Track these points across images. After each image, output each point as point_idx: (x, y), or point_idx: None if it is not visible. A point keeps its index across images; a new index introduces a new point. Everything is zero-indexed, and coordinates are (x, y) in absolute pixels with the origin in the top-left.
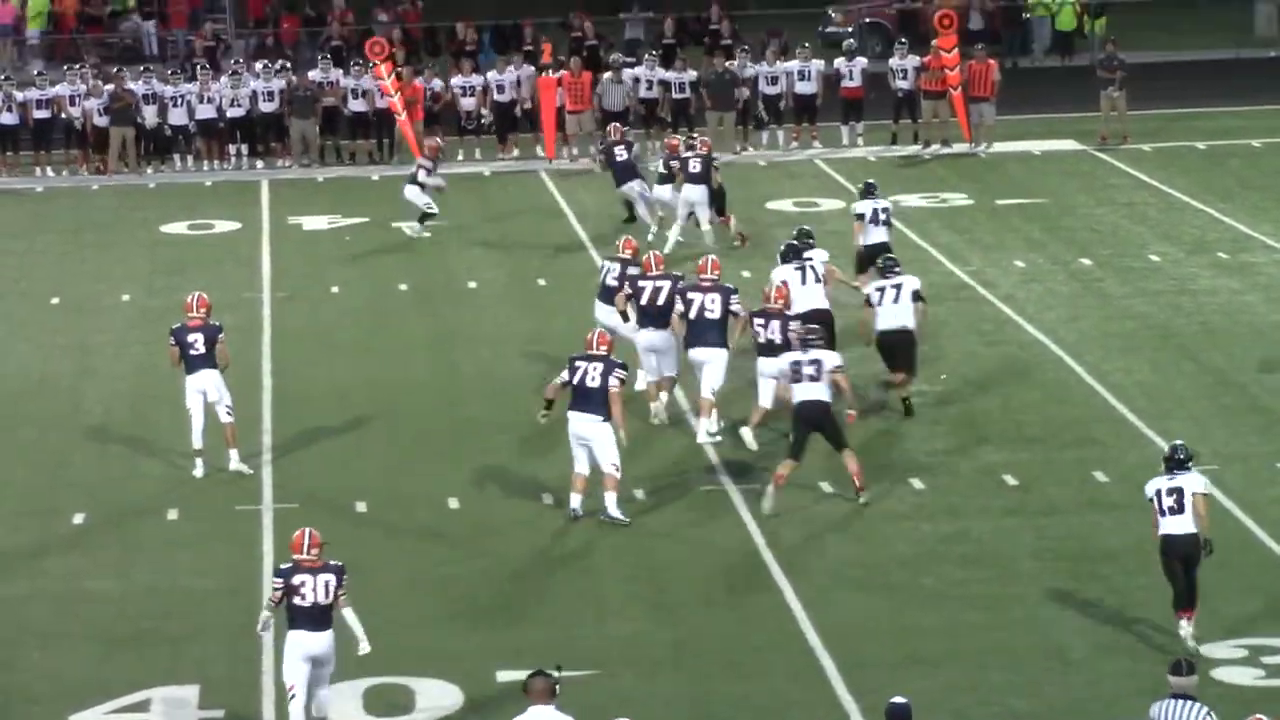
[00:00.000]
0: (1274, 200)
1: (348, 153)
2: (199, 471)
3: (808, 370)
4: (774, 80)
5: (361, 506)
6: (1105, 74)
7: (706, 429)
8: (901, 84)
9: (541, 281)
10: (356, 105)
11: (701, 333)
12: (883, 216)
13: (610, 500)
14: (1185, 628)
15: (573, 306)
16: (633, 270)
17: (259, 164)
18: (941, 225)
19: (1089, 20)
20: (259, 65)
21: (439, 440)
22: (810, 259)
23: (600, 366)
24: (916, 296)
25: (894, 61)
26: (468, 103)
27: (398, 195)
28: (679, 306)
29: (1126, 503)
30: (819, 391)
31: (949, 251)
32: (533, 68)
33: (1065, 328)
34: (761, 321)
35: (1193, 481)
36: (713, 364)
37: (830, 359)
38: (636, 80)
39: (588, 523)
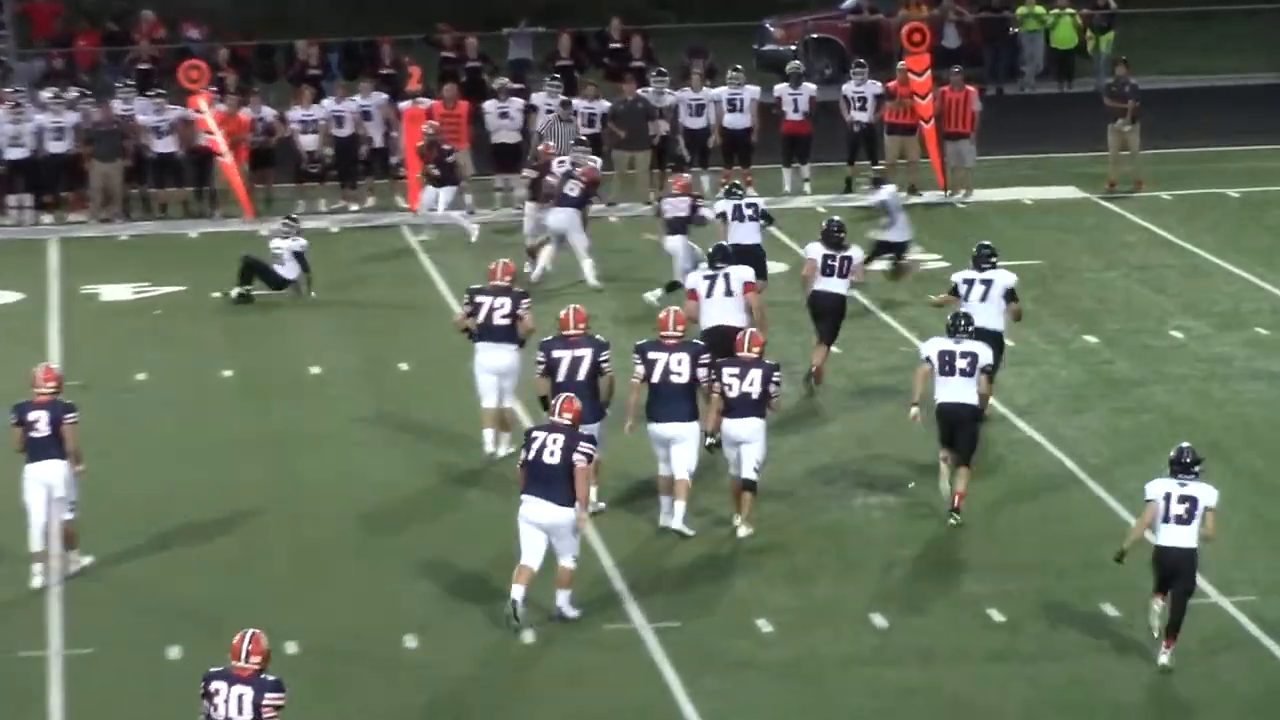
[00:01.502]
0: None
1: (158, 203)
2: (37, 581)
3: None
4: (698, 110)
5: (175, 652)
6: (1114, 104)
7: (681, 519)
8: (859, 116)
9: (404, 366)
10: (162, 145)
11: (668, 402)
12: (748, 213)
13: (564, 599)
14: (1164, 655)
15: (442, 397)
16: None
17: (46, 218)
18: (910, 294)
19: (1093, 36)
20: (46, 94)
21: (274, 566)
22: (726, 272)
23: (561, 439)
24: None
25: (849, 88)
26: (308, 140)
27: (221, 256)
28: (638, 369)
29: (1143, 641)
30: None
31: (919, 327)
32: (385, 95)
33: (1065, 423)
34: (735, 372)
35: (1207, 494)
36: (686, 443)
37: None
38: (531, 110)
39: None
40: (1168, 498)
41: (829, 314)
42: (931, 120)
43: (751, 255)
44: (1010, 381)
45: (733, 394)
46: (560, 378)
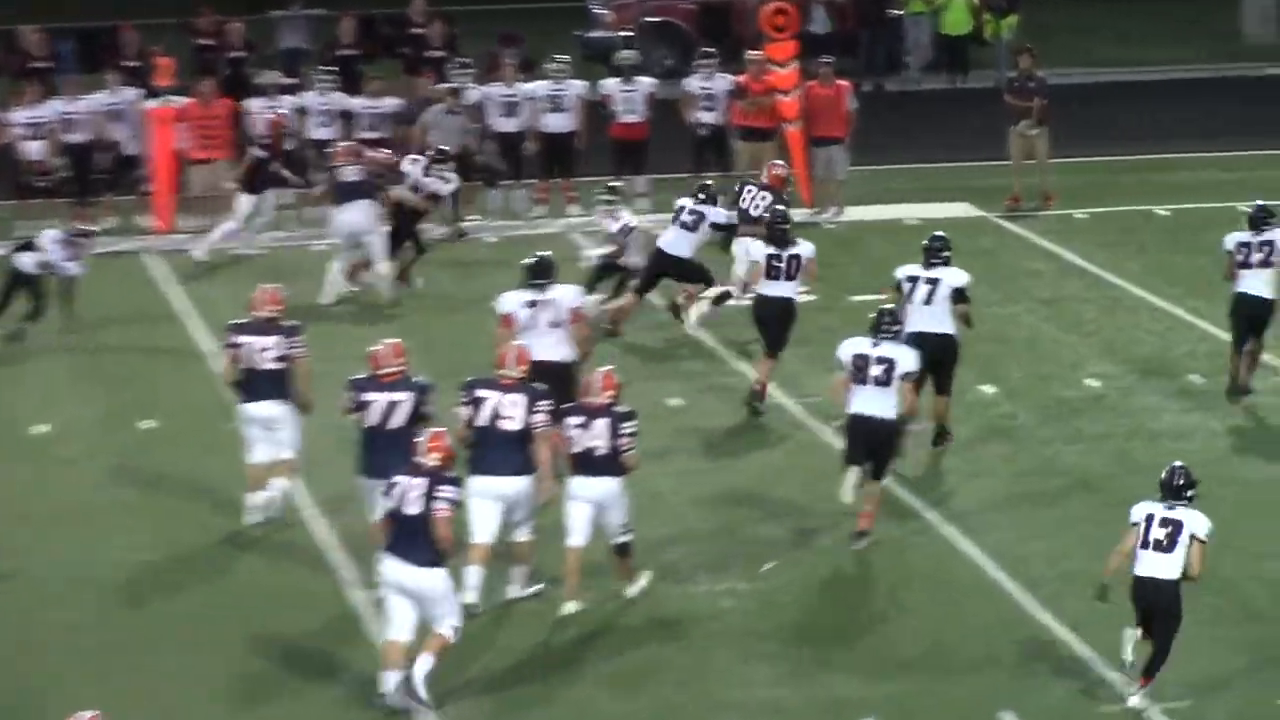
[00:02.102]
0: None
1: None
2: None
3: None
4: (510, 110)
5: None
6: (1017, 102)
7: (523, 585)
8: (705, 117)
9: (148, 424)
10: None
11: (497, 451)
12: (686, 219)
13: (421, 672)
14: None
15: (194, 457)
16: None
17: None
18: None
19: (991, 20)
20: None
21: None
22: (548, 292)
23: (422, 485)
24: None
25: (694, 83)
26: (34, 148)
27: None
28: (463, 410)
29: None
30: None
31: (780, 373)
32: (134, 91)
33: (959, 492)
34: (579, 422)
35: (1196, 522)
36: (519, 504)
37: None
38: (302, 112)
39: None
40: (1149, 520)
41: (774, 321)
42: (797, 122)
43: (676, 266)
44: None
45: (576, 449)
46: (371, 424)
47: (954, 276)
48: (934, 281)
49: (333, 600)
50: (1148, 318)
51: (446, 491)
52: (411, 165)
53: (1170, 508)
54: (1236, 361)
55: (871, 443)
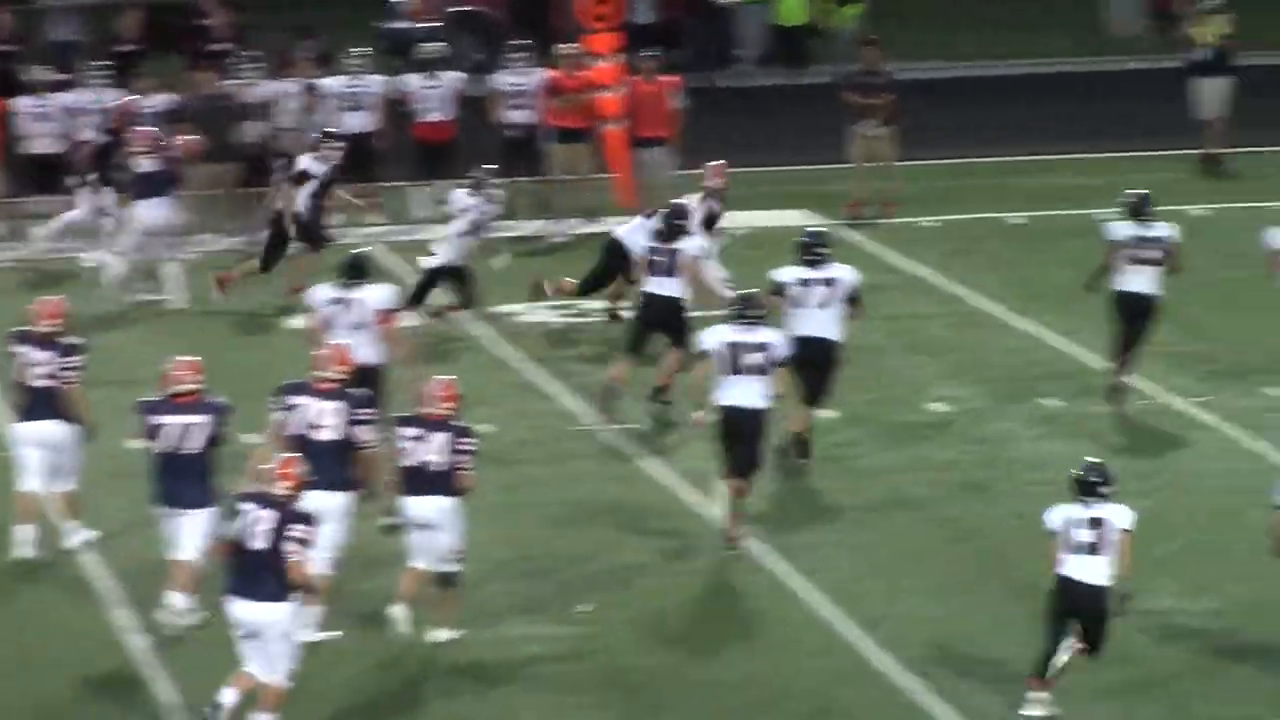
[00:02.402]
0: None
1: None
2: None
3: None
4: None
5: None
6: (860, 99)
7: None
8: (516, 117)
9: None
10: None
11: (314, 463)
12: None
13: None
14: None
15: None
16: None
17: None
18: (593, 349)
19: (833, 10)
20: None
21: None
22: (356, 291)
23: (272, 518)
24: None
25: (505, 79)
26: None
27: None
28: (275, 416)
29: None
30: None
31: (593, 401)
32: None
33: (793, 529)
34: (415, 434)
35: (1120, 515)
36: (335, 523)
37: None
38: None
39: None
40: (1072, 523)
41: (661, 324)
42: (620, 121)
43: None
44: (712, 467)
45: (409, 462)
46: (164, 450)
47: (849, 274)
48: (830, 282)
49: (104, 637)
50: (998, 334)
51: (297, 531)
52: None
53: (1088, 505)
54: (1120, 362)
55: (746, 435)
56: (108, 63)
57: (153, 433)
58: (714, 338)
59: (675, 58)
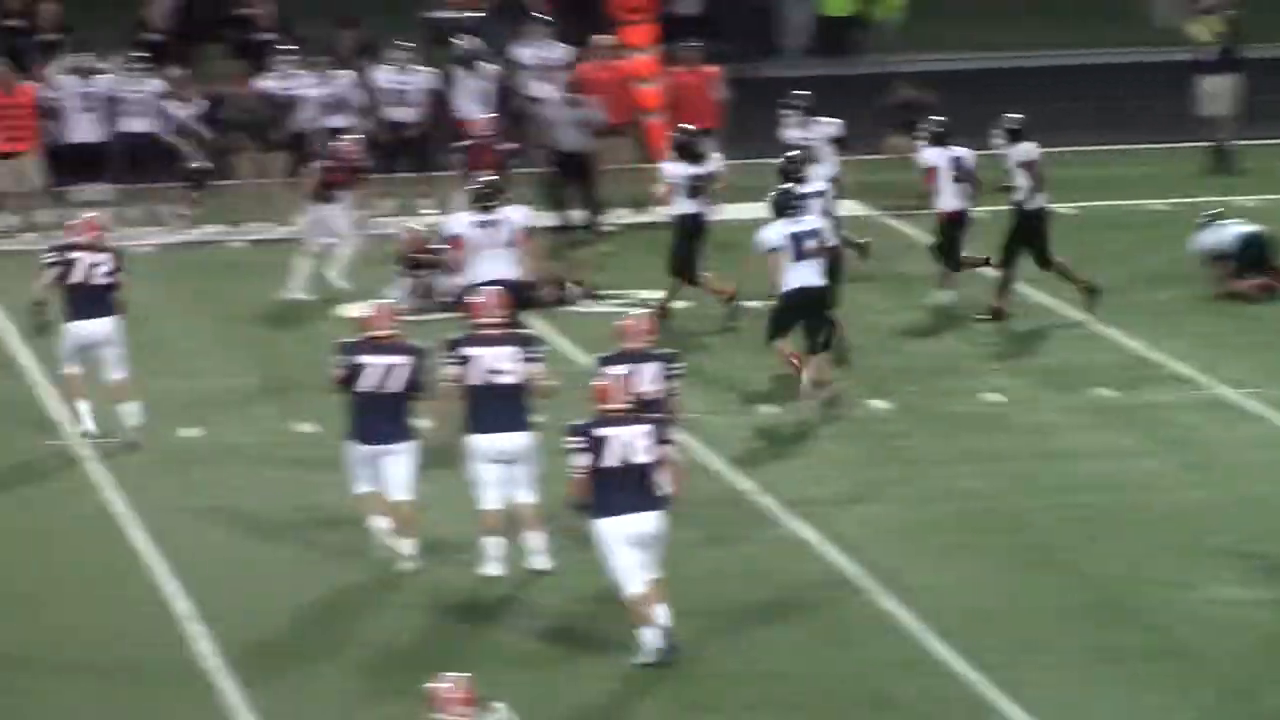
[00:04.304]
0: (1190, 297)
1: None
2: None
3: None
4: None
5: None
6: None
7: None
8: (537, 90)
9: None
10: None
11: (497, 408)
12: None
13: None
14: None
15: None
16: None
17: None
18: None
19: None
20: None
21: None
22: (497, 213)
23: (642, 431)
24: None
25: (525, 52)
26: None
27: None
28: (450, 369)
29: None
30: None
31: None
32: None
33: (842, 516)
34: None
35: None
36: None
37: None
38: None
39: None
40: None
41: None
42: (663, 114)
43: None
44: (762, 453)
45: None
46: (364, 389)
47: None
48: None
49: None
50: (1050, 325)
51: (666, 434)
52: None
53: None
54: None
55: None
56: (139, 56)
57: (354, 373)
58: (775, 233)
59: (717, 48)
